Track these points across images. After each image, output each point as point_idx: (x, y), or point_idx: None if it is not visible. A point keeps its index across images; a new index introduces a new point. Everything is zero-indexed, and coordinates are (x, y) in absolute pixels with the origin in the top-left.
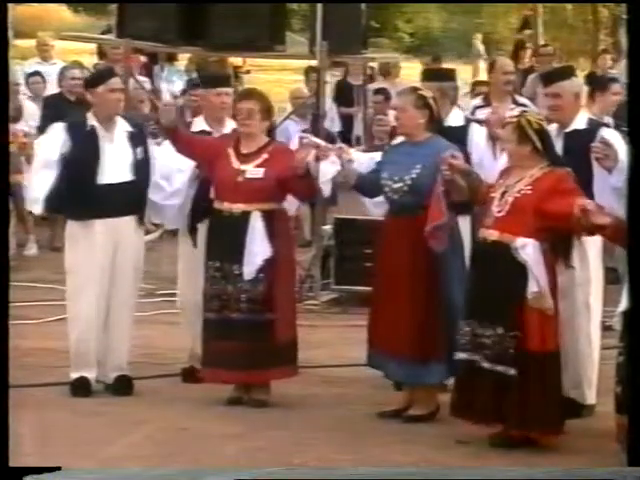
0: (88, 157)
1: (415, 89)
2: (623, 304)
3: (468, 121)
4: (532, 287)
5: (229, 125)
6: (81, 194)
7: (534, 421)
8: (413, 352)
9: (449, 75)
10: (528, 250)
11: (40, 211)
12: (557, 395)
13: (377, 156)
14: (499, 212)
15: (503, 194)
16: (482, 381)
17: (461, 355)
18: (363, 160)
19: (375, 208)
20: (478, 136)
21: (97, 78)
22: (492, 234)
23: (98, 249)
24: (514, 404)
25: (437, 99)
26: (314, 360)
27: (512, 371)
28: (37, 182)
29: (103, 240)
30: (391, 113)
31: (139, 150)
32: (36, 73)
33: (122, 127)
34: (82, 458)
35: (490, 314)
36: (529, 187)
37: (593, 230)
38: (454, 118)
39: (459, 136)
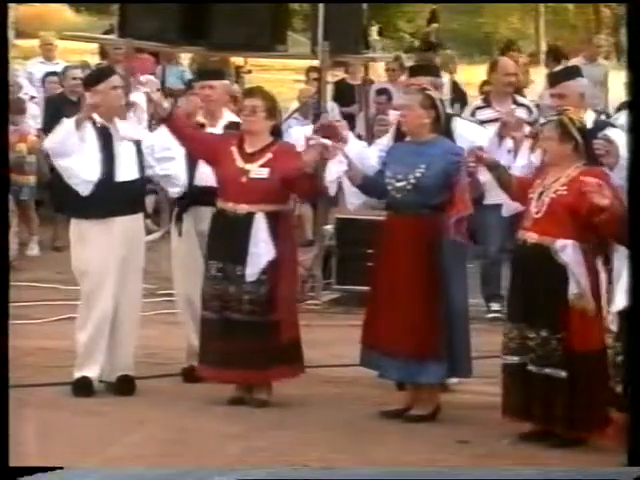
0: (105, 155)
1: (423, 89)
2: (617, 304)
3: (450, 115)
4: (573, 288)
5: (225, 119)
6: (99, 193)
7: (582, 421)
8: (413, 352)
9: (437, 71)
10: (568, 251)
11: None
12: (604, 394)
13: (368, 148)
14: (537, 213)
15: (540, 195)
16: (532, 383)
17: (512, 358)
18: (355, 146)
19: (354, 199)
20: (462, 129)
21: (98, 76)
22: (532, 236)
23: (117, 247)
24: (563, 405)
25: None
26: (315, 360)
27: (560, 373)
28: (77, 167)
29: (121, 238)
30: (392, 113)
31: (137, 147)
32: (53, 73)
33: (123, 124)
34: (83, 458)
35: (534, 317)
36: (565, 187)
37: (595, 211)
38: None
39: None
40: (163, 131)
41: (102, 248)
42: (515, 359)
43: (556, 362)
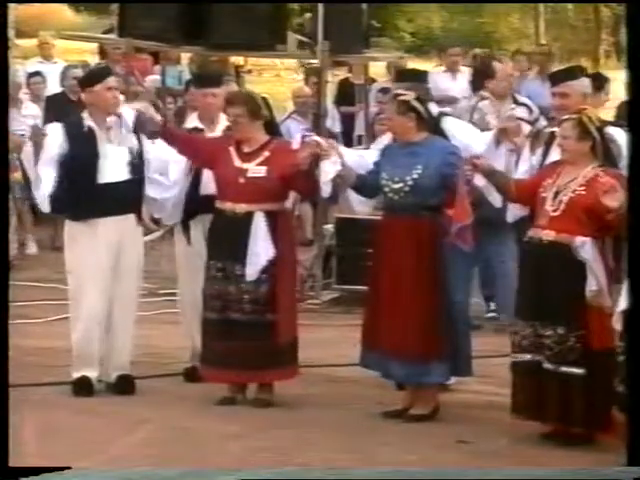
0: (88, 157)
1: (396, 95)
2: (622, 304)
3: (441, 114)
4: (591, 285)
5: (222, 123)
6: (82, 194)
7: (600, 420)
8: (415, 352)
9: (421, 76)
10: (587, 248)
11: (48, 209)
12: (615, 392)
13: (365, 153)
14: (554, 212)
15: (556, 194)
16: (546, 382)
17: (524, 356)
18: (350, 157)
19: (361, 206)
20: (455, 130)
21: (93, 77)
22: (548, 234)
23: (100, 248)
24: (580, 403)
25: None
26: (316, 359)
27: (577, 370)
28: (43, 180)
29: (105, 239)
30: None
31: (135, 147)
32: (37, 73)
33: (117, 125)
34: (83, 458)
35: (550, 314)
36: (583, 188)
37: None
38: None
39: (433, 128)
40: (160, 150)
41: (85, 249)
42: (527, 357)
43: (574, 360)
